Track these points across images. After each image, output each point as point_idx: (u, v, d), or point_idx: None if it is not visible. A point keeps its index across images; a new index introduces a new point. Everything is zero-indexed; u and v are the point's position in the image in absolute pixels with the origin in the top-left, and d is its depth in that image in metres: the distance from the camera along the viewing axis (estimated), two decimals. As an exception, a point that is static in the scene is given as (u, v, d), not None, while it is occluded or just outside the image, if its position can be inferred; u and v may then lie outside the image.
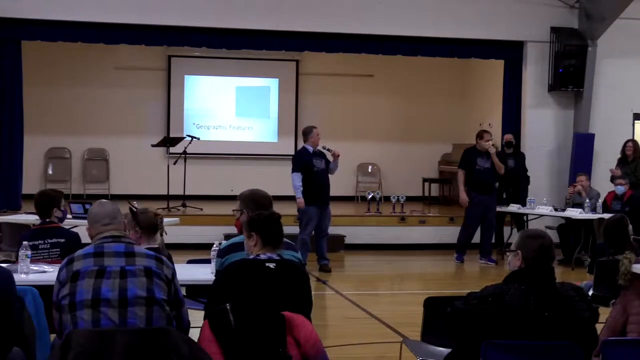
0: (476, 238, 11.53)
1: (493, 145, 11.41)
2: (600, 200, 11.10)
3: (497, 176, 11.38)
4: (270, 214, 4.25)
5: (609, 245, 6.43)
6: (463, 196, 11.33)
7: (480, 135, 11.34)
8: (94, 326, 3.57)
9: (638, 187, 11.46)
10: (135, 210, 5.22)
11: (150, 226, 5.10)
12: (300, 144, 16.06)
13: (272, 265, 4.06)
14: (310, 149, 10.52)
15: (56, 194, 6.22)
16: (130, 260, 3.74)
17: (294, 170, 10.47)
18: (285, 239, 4.38)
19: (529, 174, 12.73)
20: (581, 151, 13.23)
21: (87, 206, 8.78)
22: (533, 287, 3.66)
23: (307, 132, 10.62)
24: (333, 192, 15.93)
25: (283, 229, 4.24)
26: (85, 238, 5.89)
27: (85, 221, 7.77)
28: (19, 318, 3.87)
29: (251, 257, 4.18)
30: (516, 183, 12.33)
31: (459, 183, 11.57)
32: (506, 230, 12.42)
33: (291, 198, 14.69)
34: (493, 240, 12.09)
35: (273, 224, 4.17)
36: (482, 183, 11.24)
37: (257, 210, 4.72)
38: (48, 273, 5.06)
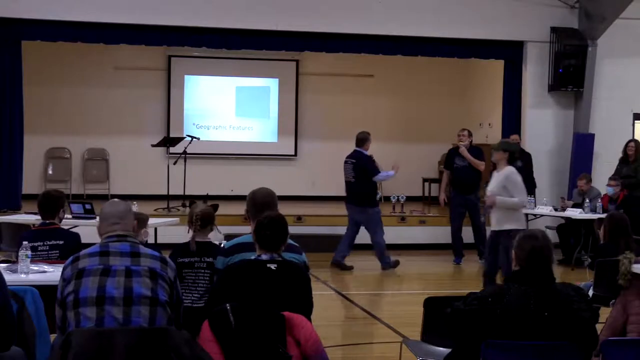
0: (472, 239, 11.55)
1: (471, 143, 11.36)
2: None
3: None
4: (270, 220, 4.21)
5: (611, 241, 6.45)
6: (440, 195, 11.73)
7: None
8: (98, 324, 3.58)
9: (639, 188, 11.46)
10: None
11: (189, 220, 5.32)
12: (301, 144, 16.20)
13: (273, 266, 4.06)
14: (368, 154, 10.69)
15: (60, 194, 6.21)
16: (136, 260, 3.76)
17: (376, 172, 10.61)
18: (290, 241, 4.37)
19: (533, 176, 12.64)
20: (581, 151, 13.23)
21: (87, 206, 8.79)
22: (533, 288, 3.66)
23: (366, 139, 10.76)
24: (332, 191, 16.02)
25: (287, 230, 4.23)
26: (85, 238, 5.93)
27: (85, 221, 7.83)
28: (12, 317, 3.83)
29: (253, 257, 4.19)
30: None
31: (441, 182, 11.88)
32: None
33: (291, 198, 14.76)
34: None
35: (268, 229, 4.14)
36: (460, 181, 11.29)
37: (256, 211, 4.70)
38: (48, 273, 5.05)
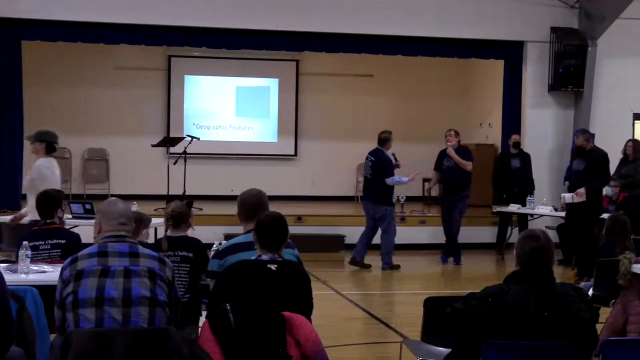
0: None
1: (459, 142, 11.36)
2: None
3: (499, 177, 11.20)
4: (269, 220, 4.22)
5: (610, 241, 6.47)
6: (429, 190, 11.76)
7: None
8: (97, 325, 3.58)
9: (639, 188, 11.43)
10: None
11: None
12: (301, 144, 16.19)
13: (273, 267, 4.06)
14: (389, 154, 10.79)
15: (58, 194, 6.22)
16: (135, 261, 3.76)
17: (391, 175, 10.68)
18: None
19: (532, 176, 12.62)
20: (581, 151, 13.21)
21: (87, 206, 8.79)
22: (533, 288, 3.66)
23: (388, 139, 10.90)
24: (332, 191, 16.02)
25: (287, 229, 4.23)
26: (85, 238, 5.93)
27: (85, 221, 7.79)
28: (11, 319, 3.83)
29: (253, 257, 4.19)
30: (522, 183, 12.28)
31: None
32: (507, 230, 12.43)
33: (291, 198, 14.78)
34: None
35: (266, 228, 4.16)
36: (447, 182, 11.35)
37: (246, 213, 4.73)
38: (48, 273, 5.06)
